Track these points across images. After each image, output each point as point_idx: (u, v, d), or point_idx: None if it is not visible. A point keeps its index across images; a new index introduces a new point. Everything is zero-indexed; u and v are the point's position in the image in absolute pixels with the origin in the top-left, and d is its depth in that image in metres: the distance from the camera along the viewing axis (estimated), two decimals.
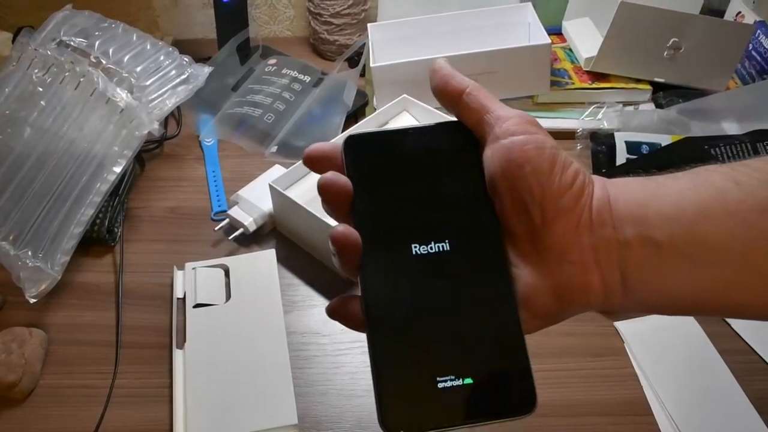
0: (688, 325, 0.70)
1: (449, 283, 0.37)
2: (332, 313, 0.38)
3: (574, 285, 0.37)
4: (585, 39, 1.04)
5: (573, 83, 0.99)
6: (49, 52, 0.80)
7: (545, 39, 0.93)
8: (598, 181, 0.39)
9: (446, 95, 0.40)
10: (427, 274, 0.37)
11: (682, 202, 0.37)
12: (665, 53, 0.97)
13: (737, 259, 0.36)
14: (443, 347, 0.36)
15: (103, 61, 0.81)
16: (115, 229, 0.80)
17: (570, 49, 1.07)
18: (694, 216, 0.36)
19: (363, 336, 0.62)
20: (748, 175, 0.37)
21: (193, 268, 0.74)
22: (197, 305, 0.70)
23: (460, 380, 0.34)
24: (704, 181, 0.38)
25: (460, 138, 0.40)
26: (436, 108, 0.86)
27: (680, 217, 0.37)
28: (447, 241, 0.38)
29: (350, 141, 0.41)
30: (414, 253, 0.38)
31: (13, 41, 0.94)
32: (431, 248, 0.38)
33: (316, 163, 0.40)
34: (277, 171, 0.83)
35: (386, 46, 1.00)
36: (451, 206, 0.39)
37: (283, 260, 0.77)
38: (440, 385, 0.34)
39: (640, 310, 0.39)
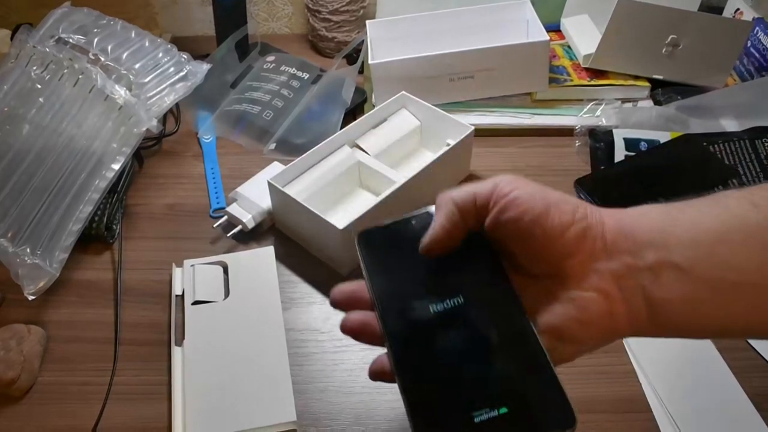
0: None
1: (469, 328, 0.40)
2: (375, 376, 0.41)
3: (596, 311, 0.38)
4: (583, 36, 1.04)
5: (571, 80, 0.99)
6: (47, 49, 0.80)
7: (544, 36, 0.93)
8: (610, 211, 0.40)
9: (448, 231, 0.42)
10: (448, 325, 0.40)
11: (701, 227, 0.38)
12: (664, 50, 0.97)
13: (758, 281, 0.36)
14: (474, 384, 0.38)
15: (102, 58, 0.81)
16: (114, 226, 0.80)
17: (568, 46, 1.07)
18: (713, 240, 0.37)
19: None
20: (765, 197, 0.37)
21: (192, 265, 0.74)
22: (196, 302, 0.70)
23: (496, 411, 0.36)
24: (722, 205, 0.39)
25: None
26: (434, 105, 0.87)
27: (700, 242, 0.37)
28: (460, 295, 0.41)
29: (362, 236, 0.46)
30: (432, 311, 0.41)
31: (12, 38, 0.94)
32: (446, 304, 0.41)
33: (343, 304, 0.43)
34: (275, 168, 0.83)
35: (385, 43, 1.00)
36: (458, 266, 0.43)
37: (281, 257, 0.77)
38: (477, 419, 0.36)
39: (669, 335, 0.40)
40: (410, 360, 0.40)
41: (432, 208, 0.45)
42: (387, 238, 0.47)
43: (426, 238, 0.43)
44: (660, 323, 0.39)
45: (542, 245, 0.39)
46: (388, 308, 0.43)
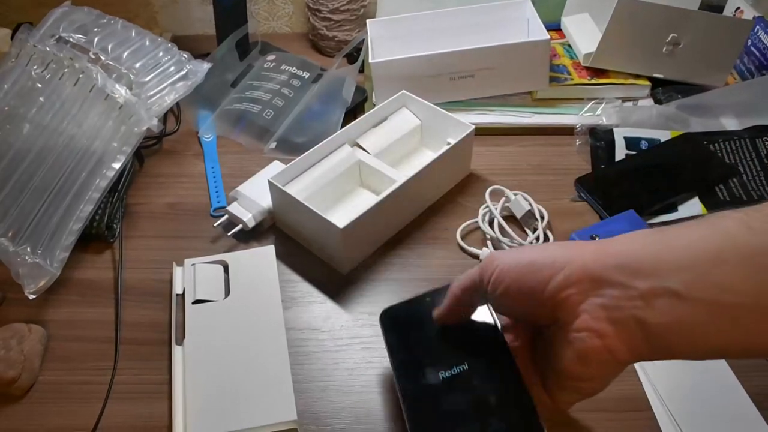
0: None
1: (472, 391, 0.49)
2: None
3: (592, 349, 0.41)
4: (584, 35, 1.04)
5: (572, 79, 0.99)
6: (48, 49, 0.80)
7: (544, 35, 0.93)
8: (596, 246, 0.43)
9: (456, 307, 0.52)
10: (455, 389, 0.50)
11: (697, 250, 0.39)
12: (664, 49, 0.97)
13: (753, 302, 0.37)
14: None
15: (102, 57, 0.81)
16: (114, 226, 0.80)
17: (569, 45, 1.06)
18: (709, 263, 0.38)
19: (361, 332, 0.68)
20: (759, 219, 0.38)
21: (192, 265, 0.74)
22: (196, 301, 0.70)
23: None
24: (718, 227, 0.40)
25: None
26: (435, 104, 0.87)
27: (696, 265, 0.39)
28: (465, 363, 0.51)
29: (384, 314, 0.58)
30: (441, 377, 0.50)
31: (12, 37, 0.94)
32: (454, 371, 0.50)
33: None
34: (276, 167, 0.83)
35: (385, 42, 1.00)
36: (464, 337, 0.52)
37: (282, 256, 0.77)
38: None
39: (669, 357, 0.42)
40: (422, 421, 0.49)
41: (444, 287, 0.54)
42: (406, 314, 0.57)
43: (435, 313, 0.54)
44: (658, 347, 0.40)
45: (532, 304, 0.44)
46: (404, 377, 0.53)
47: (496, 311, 0.53)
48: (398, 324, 0.57)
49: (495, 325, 0.52)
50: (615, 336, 0.40)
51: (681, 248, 0.40)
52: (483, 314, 0.53)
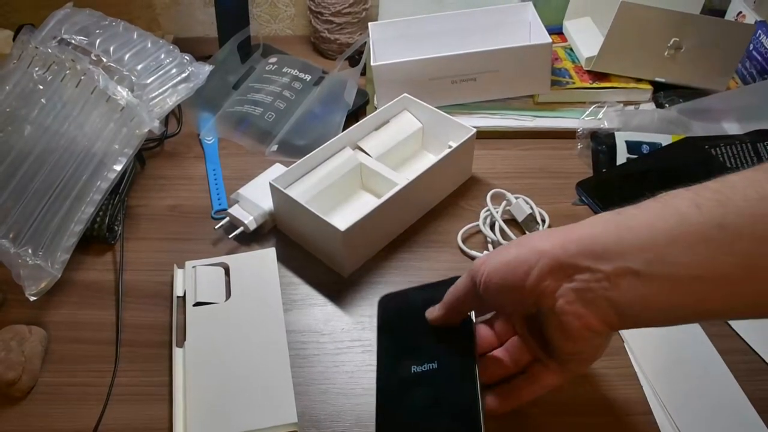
0: (688, 325, 0.70)
1: (435, 388, 0.54)
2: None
3: (574, 329, 0.46)
4: (586, 38, 1.04)
5: (574, 83, 0.99)
6: (49, 50, 0.80)
7: (546, 38, 0.93)
8: (563, 236, 0.47)
9: (453, 313, 0.56)
10: (421, 383, 0.55)
11: (653, 232, 0.43)
12: (666, 53, 0.97)
13: (704, 275, 0.41)
14: (427, 428, 0.52)
15: (104, 59, 0.81)
16: (116, 228, 0.80)
17: (571, 49, 1.07)
18: (664, 243, 0.43)
19: (362, 335, 0.69)
20: (707, 197, 0.43)
21: (194, 267, 0.74)
22: (197, 304, 0.70)
23: None
24: (670, 208, 0.44)
25: None
26: (436, 107, 0.87)
27: (654, 245, 0.43)
28: (436, 362, 0.55)
29: (383, 299, 0.64)
30: (412, 371, 0.56)
31: (14, 39, 0.94)
32: (424, 367, 0.55)
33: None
34: (277, 169, 0.83)
35: (387, 45, 1.00)
36: (442, 339, 0.56)
37: (283, 259, 0.77)
38: None
39: (639, 327, 0.47)
40: (389, 405, 0.56)
41: (441, 282, 0.58)
42: (400, 304, 0.62)
43: (430, 314, 0.57)
44: (628, 320, 0.45)
45: (518, 297, 0.48)
46: (383, 361, 0.60)
47: (490, 309, 0.58)
48: (393, 311, 0.62)
49: (472, 333, 0.55)
50: (590, 315, 0.45)
51: (639, 230, 0.44)
52: (467, 320, 0.56)
